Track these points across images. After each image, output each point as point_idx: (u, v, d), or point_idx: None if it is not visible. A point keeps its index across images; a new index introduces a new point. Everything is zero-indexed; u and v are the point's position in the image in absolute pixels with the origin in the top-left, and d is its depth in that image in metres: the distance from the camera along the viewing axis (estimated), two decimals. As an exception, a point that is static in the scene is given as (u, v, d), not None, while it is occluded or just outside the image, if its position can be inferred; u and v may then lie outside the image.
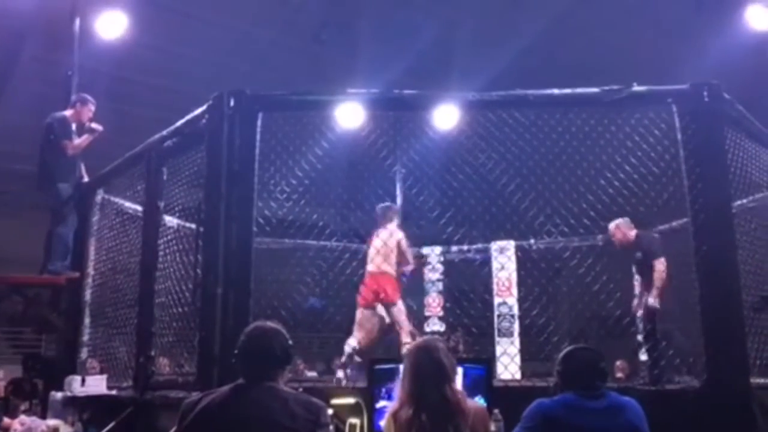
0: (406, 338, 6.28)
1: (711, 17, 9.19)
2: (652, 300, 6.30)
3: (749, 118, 5.20)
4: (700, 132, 4.63)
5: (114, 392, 5.43)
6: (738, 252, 4.61)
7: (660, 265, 6.28)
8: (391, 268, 6.53)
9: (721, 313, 4.40)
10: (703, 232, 4.53)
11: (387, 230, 6.59)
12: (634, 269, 7.05)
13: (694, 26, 9.73)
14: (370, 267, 6.56)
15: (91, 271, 6.57)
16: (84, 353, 6.37)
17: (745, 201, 5.32)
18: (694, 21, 9.89)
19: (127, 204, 6.30)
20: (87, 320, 6.46)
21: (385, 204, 6.84)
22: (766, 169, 5.58)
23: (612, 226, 6.63)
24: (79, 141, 6.69)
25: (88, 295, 6.52)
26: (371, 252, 6.59)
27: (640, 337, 7.43)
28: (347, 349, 6.22)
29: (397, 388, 2.95)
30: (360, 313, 6.58)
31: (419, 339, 3.14)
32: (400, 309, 6.55)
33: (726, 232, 4.54)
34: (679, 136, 4.70)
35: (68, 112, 6.84)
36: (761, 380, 4.59)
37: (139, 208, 6.00)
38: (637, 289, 7.00)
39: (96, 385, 5.41)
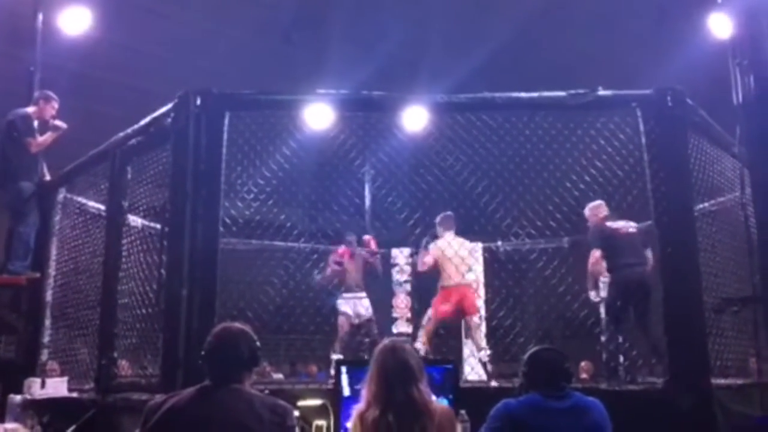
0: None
1: (674, 25, 9.37)
2: (592, 294, 6.43)
3: (711, 123, 5.31)
4: (663, 136, 4.71)
5: (75, 395, 5.32)
6: (700, 254, 4.70)
7: (591, 257, 6.28)
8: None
9: (683, 314, 4.47)
10: (666, 235, 4.61)
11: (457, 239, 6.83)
12: None
13: (659, 33, 9.91)
14: (458, 278, 6.79)
15: (52, 271, 6.44)
16: (44, 355, 6.24)
17: (707, 204, 5.42)
18: (658, 28, 10.08)
19: (90, 203, 6.19)
20: (48, 321, 6.33)
21: (447, 213, 6.96)
22: (728, 173, 5.69)
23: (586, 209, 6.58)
24: (43, 138, 6.56)
25: (49, 295, 6.39)
26: (456, 261, 6.73)
27: (603, 338, 7.53)
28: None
29: (364, 389, 2.94)
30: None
31: (386, 340, 3.13)
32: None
33: (688, 235, 4.62)
34: (643, 140, 4.78)
35: (31, 109, 6.70)
36: (721, 381, 4.68)
37: (102, 207, 5.90)
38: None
39: (56, 387, 5.30)
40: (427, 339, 6.91)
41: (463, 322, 7.45)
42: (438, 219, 6.98)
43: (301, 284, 7.28)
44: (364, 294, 7.50)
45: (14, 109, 6.68)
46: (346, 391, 3.62)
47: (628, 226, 6.23)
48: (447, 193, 6.49)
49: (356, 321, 7.37)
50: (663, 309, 4.53)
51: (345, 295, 7.43)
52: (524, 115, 5.45)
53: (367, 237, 7.78)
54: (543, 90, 5.04)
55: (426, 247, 7.01)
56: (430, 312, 7.07)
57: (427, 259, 6.91)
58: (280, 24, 11.01)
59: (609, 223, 6.31)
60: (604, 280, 6.50)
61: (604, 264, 6.23)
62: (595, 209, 6.48)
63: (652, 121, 4.74)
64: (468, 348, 7.77)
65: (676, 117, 4.76)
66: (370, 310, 7.48)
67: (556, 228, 6.46)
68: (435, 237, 6.96)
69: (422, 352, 6.30)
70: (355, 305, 7.40)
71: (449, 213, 6.97)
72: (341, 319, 7.36)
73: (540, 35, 10.71)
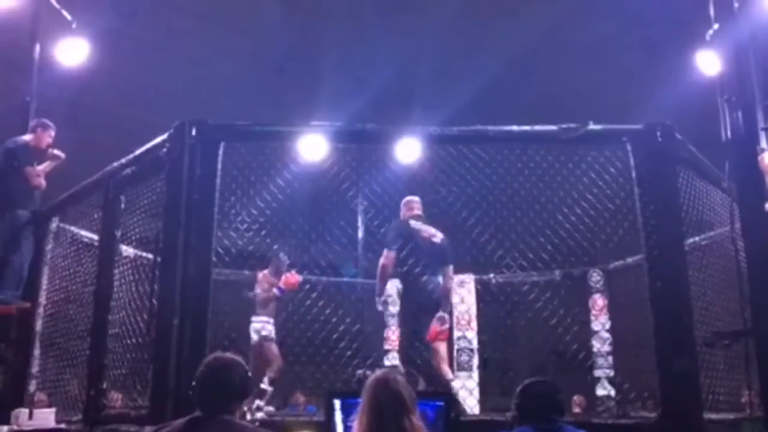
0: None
1: (664, 61, 9.53)
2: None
3: (701, 158, 5.36)
4: (653, 170, 4.75)
5: (63, 426, 5.25)
6: (691, 288, 4.72)
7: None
8: None
9: (675, 348, 4.47)
10: (656, 269, 4.62)
11: None
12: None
13: (649, 69, 10.08)
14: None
15: (43, 300, 6.40)
16: (32, 385, 6.16)
17: (697, 239, 5.46)
18: (648, 64, 10.25)
19: (83, 233, 6.18)
20: (37, 351, 6.26)
21: None
22: (718, 208, 5.74)
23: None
24: (42, 167, 6.60)
25: (39, 325, 6.33)
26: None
27: (597, 372, 7.52)
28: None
29: (356, 422, 2.93)
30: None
31: (378, 371, 3.13)
32: None
33: (679, 269, 4.64)
34: (633, 174, 4.81)
35: (28, 137, 6.74)
36: (713, 415, 4.67)
37: (95, 237, 5.89)
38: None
39: (44, 418, 5.24)
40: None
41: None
42: None
43: (293, 315, 7.25)
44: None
45: (12, 137, 6.71)
46: (339, 429, 3.56)
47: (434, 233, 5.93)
48: (440, 225, 6.51)
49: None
50: (654, 342, 4.53)
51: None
52: (516, 147, 5.51)
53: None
54: (535, 123, 5.10)
55: None
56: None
57: None
58: (273, 56, 11.15)
59: (414, 223, 5.98)
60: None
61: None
62: (410, 203, 6.17)
63: (642, 156, 4.79)
64: (460, 380, 7.73)
65: (665, 152, 4.81)
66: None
67: (547, 260, 6.48)
68: None
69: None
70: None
71: None
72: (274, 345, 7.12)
73: (532, 69, 10.86)
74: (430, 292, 5.82)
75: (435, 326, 5.88)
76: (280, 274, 7.21)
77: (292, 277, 7.19)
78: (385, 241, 6.00)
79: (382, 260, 5.92)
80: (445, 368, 6.09)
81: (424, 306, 5.76)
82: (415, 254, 5.81)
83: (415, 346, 5.86)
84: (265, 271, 7.30)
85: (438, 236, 6.00)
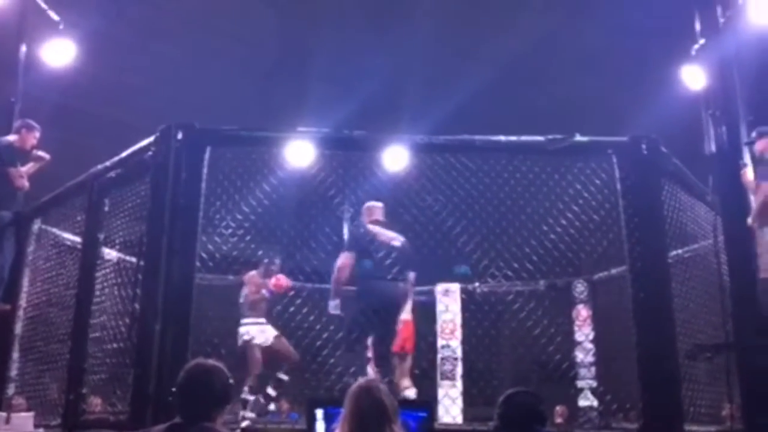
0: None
1: (651, 75, 9.61)
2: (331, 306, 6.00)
3: (685, 171, 5.41)
4: (638, 183, 4.79)
5: (41, 430, 5.19)
6: (674, 300, 4.74)
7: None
8: None
9: (657, 359, 4.49)
10: (640, 280, 4.65)
11: None
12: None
13: (636, 82, 10.15)
14: (406, 315, 6.39)
15: (23, 303, 6.32)
16: (11, 389, 6.08)
17: (680, 251, 5.49)
18: (635, 78, 10.33)
19: (66, 235, 6.12)
20: (16, 354, 6.18)
21: None
22: (701, 221, 5.78)
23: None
24: (26, 169, 6.55)
25: (18, 328, 6.26)
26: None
27: (580, 383, 7.53)
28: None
29: (338, 429, 2.91)
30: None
31: (360, 380, 3.11)
32: None
33: (662, 281, 4.67)
34: (618, 187, 4.85)
35: (12, 138, 6.68)
36: (695, 428, 4.69)
37: (77, 239, 5.84)
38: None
39: (22, 423, 5.16)
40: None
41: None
42: None
43: (277, 321, 7.20)
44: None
45: None
46: None
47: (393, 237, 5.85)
48: (425, 233, 6.51)
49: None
50: (636, 354, 4.54)
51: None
52: (503, 158, 5.53)
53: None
54: (522, 133, 5.13)
55: None
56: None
57: None
58: (262, 62, 11.12)
59: (372, 227, 5.92)
60: None
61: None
62: (371, 209, 6.09)
63: (627, 168, 4.83)
64: (443, 389, 7.72)
65: (650, 164, 4.85)
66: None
67: (532, 270, 6.49)
68: None
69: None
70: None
71: None
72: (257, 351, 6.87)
73: (520, 79, 10.92)
74: (390, 297, 5.72)
75: (402, 331, 5.87)
76: (270, 276, 7.16)
77: (284, 280, 7.16)
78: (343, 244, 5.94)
79: (338, 262, 5.87)
80: (405, 382, 6.04)
81: (382, 311, 5.63)
82: (372, 258, 5.76)
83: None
84: (253, 273, 7.22)
85: (398, 240, 5.92)
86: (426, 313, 8.28)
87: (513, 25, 10.40)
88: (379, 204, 6.14)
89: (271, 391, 6.67)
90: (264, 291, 7.05)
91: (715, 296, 5.19)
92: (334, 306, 6.03)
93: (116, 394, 4.97)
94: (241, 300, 7.12)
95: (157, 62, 10.30)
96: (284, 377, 6.82)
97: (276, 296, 7.15)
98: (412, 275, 5.90)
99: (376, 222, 6.07)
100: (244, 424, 5.45)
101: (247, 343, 6.82)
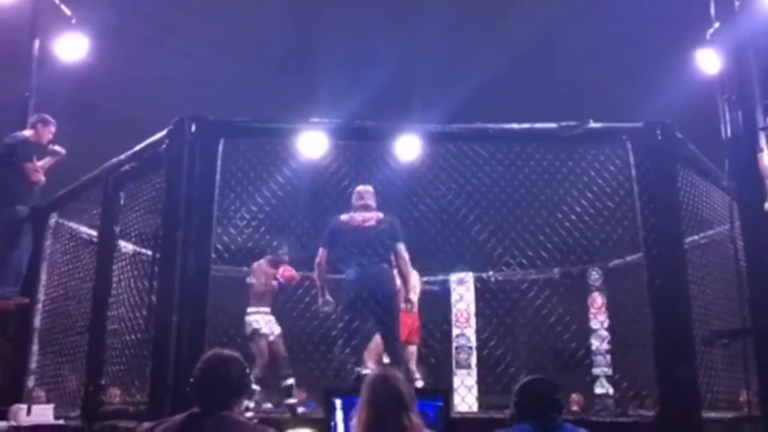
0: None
1: (665, 60, 9.53)
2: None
3: (701, 156, 5.36)
4: (653, 169, 4.75)
5: (61, 422, 5.26)
6: (690, 287, 4.72)
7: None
8: None
9: (673, 346, 4.47)
10: (655, 267, 4.62)
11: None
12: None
13: (650, 68, 10.07)
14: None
15: (41, 296, 6.40)
16: (31, 381, 6.17)
17: (696, 237, 5.46)
18: (649, 63, 10.24)
19: (82, 228, 6.18)
20: (35, 347, 6.27)
21: None
22: (717, 206, 5.74)
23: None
24: (42, 163, 6.61)
25: (37, 321, 6.34)
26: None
27: (596, 370, 7.52)
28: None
29: (355, 418, 2.92)
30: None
31: (377, 369, 3.12)
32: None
33: (678, 267, 4.64)
34: (633, 173, 4.81)
35: (28, 133, 6.73)
36: (712, 414, 4.67)
37: (93, 233, 5.89)
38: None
39: (42, 414, 5.24)
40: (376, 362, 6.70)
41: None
42: None
43: (291, 311, 7.23)
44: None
45: (12, 133, 6.71)
46: (341, 429, 3.52)
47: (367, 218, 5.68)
48: (438, 222, 6.50)
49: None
50: (653, 341, 4.53)
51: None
52: (516, 145, 5.50)
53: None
54: (535, 122, 5.10)
55: None
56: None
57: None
58: (274, 53, 11.12)
59: (344, 216, 5.77)
60: None
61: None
62: (358, 193, 5.90)
63: (641, 154, 4.79)
64: (459, 378, 7.73)
65: (665, 150, 4.81)
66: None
67: (546, 258, 6.47)
68: None
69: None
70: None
71: None
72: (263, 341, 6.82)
73: (532, 68, 10.86)
74: (376, 283, 5.55)
75: (404, 319, 5.81)
76: (279, 265, 7.15)
77: (292, 271, 7.17)
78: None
79: (316, 259, 5.86)
80: (412, 367, 6.02)
81: (368, 298, 5.49)
82: (346, 247, 5.63)
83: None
84: (261, 262, 7.16)
85: (372, 220, 5.72)
86: (440, 303, 8.30)
87: (524, 13, 10.33)
88: (368, 187, 5.96)
89: (291, 400, 6.58)
90: (273, 282, 7.06)
91: (732, 282, 5.17)
92: (321, 303, 6.01)
93: (135, 385, 5.03)
94: (251, 287, 7.09)
95: (169, 55, 10.33)
96: (291, 381, 6.72)
97: (287, 286, 7.16)
98: (399, 248, 5.65)
99: (364, 206, 5.89)
100: (248, 415, 5.48)
101: (256, 332, 6.81)
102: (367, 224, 5.70)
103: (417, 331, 7.07)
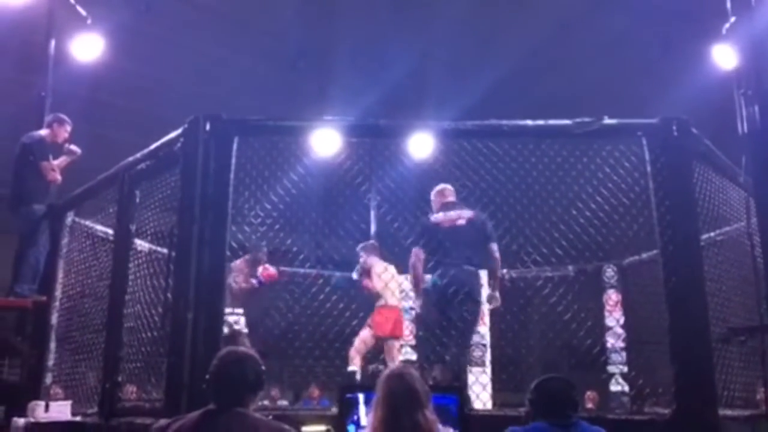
0: None
1: (680, 55, 9.46)
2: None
3: (717, 152, 5.32)
4: (669, 165, 4.71)
5: (78, 418, 5.30)
6: (706, 284, 4.68)
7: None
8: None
9: (690, 343, 4.44)
10: (672, 264, 4.58)
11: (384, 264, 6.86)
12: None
13: (665, 63, 10.00)
14: (393, 301, 6.85)
15: (58, 294, 6.45)
16: (48, 378, 6.23)
17: (713, 234, 5.42)
18: (664, 58, 10.17)
19: (98, 227, 6.22)
20: (53, 345, 6.32)
21: (371, 241, 7.04)
22: (734, 203, 5.69)
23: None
24: (58, 162, 6.67)
25: (54, 319, 6.39)
26: (392, 285, 6.78)
27: (611, 368, 7.49)
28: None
29: (370, 415, 2.93)
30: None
31: (392, 366, 3.13)
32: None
33: (695, 264, 4.61)
34: (648, 169, 4.78)
35: (44, 132, 6.80)
36: (729, 411, 4.64)
37: (109, 231, 5.93)
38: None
39: (60, 411, 5.28)
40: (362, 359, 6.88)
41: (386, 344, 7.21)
42: (362, 246, 7.19)
43: (306, 309, 7.26)
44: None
45: (29, 133, 6.77)
46: (364, 421, 3.52)
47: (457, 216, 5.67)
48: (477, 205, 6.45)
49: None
50: (669, 338, 4.50)
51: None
52: (530, 142, 5.48)
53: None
54: (549, 118, 5.08)
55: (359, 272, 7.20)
56: (365, 332, 7.05)
57: (376, 284, 7.04)
58: (287, 52, 11.14)
59: (435, 216, 5.77)
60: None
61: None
62: (441, 191, 5.94)
63: (657, 150, 4.75)
64: (473, 375, 7.71)
65: (681, 146, 4.77)
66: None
67: (561, 256, 6.44)
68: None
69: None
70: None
71: (372, 241, 7.29)
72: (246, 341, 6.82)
73: (546, 64, 10.80)
74: (467, 283, 5.57)
75: (386, 313, 6.31)
76: (258, 264, 7.14)
77: (272, 270, 7.18)
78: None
79: (411, 260, 5.86)
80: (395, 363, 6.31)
81: (450, 299, 5.53)
82: (440, 247, 5.63)
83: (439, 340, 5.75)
84: (238, 261, 7.04)
85: (462, 218, 5.72)
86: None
87: (538, 9, 10.28)
88: (448, 186, 5.98)
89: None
90: (253, 280, 7.06)
91: (749, 279, 5.12)
92: (418, 306, 6.05)
93: (151, 381, 5.06)
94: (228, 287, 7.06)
95: (184, 55, 10.37)
96: None
97: (266, 286, 7.16)
98: (491, 247, 5.67)
99: (447, 204, 5.88)
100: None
101: (239, 333, 6.78)
102: (458, 223, 5.69)
103: (400, 326, 7.14)
